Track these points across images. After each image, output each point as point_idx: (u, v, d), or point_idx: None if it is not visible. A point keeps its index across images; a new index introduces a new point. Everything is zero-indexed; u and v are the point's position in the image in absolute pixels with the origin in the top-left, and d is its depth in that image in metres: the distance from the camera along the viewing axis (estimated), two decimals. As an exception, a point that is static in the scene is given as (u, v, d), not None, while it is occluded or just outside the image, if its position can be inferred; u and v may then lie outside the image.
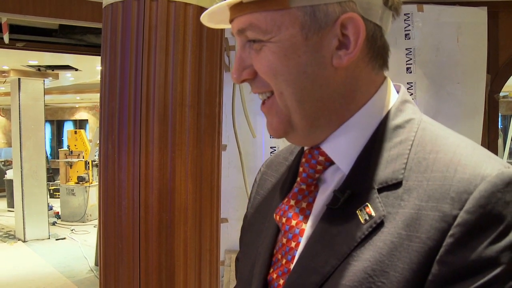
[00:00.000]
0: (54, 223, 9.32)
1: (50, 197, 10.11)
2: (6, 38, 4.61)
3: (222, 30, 1.98)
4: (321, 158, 0.80)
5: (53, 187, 11.61)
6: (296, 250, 0.78)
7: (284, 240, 0.80)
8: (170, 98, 1.78)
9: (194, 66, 1.81)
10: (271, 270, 0.81)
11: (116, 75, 1.81)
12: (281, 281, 0.78)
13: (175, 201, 1.78)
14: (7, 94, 9.31)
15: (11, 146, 9.13)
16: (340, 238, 0.71)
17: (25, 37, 5.04)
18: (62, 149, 11.75)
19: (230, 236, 2.90)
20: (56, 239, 8.26)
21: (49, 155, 11.39)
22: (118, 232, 1.80)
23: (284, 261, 0.79)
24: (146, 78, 1.76)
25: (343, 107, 0.77)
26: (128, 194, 1.78)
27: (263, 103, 0.81)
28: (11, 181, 9.19)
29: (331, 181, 0.79)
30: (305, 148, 0.84)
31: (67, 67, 7.83)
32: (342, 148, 0.78)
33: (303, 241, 0.78)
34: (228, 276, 2.99)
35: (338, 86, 0.76)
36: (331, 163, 0.79)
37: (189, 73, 1.80)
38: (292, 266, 0.77)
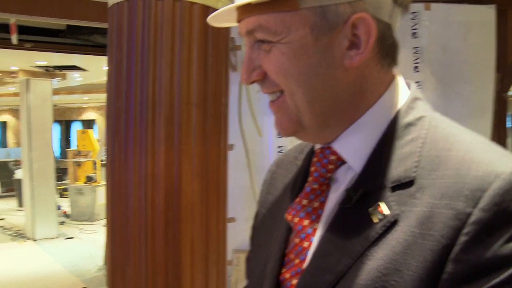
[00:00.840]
0: (63, 223, 9.37)
1: (59, 197, 10.18)
2: (14, 39, 4.64)
3: (228, 29, 1.98)
4: (332, 157, 0.79)
5: (61, 187, 11.68)
6: (309, 250, 0.77)
7: (297, 240, 0.80)
8: (176, 98, 1.78)
9: (200, 66, 1.81)
10: (284, 270, 0.81)
11: (122, 74, 1.81)
12: (294, 281, 0.77)
13: (182, 200, 1.79)
14: (16, 94, 9.38)
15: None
16: (354, 238, 0.70)
17: (33, 37, 5.07)
18: (70, 149, 11.81)
19: (237, 235, 2.89)
20: (65, 238, 8.31)
21: (57, 155, 11.46)
22: (125, 231, 1.80)
23: (297, 261, 0.79)
24: (152, 77, 1.76)
25: (354, 107, 0.77)
26: (134, 194, 1.78)
27: (272, 101, 0.80)
28: (20, 180, 9.24)
29: (343, 180, 0.78)
30: (316, 147, 0.84)
31: (74, 68, 7.87)
32: (354, 147, 0.77)
33: (315, 240, 0.77)
34: (235, 276, 2.99)
35: (348, 86, 0.75)
36: (343, 162, 0.79)
37: (195, 72, 1.80)
38: (305, 266, 0.76)
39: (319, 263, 0.73)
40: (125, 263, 1.80)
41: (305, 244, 0.78)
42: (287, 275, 0.79)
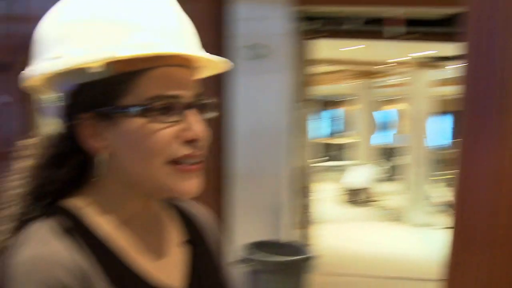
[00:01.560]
0: (441, 212, 9.33)
1: (441, 187, 10.18)
2: (397, 31, 4.85)
3: None
4: None
5: (445, 177, 11.61)
6: None
7: None
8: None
9: None
10: None
11: (480, 61, 1.68)
12: None
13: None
14: (404, 84, 9.91)
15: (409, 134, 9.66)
16: None
17: (418, 29, 5.16)
18: (456, 139, 11.61)
19: None
20: (440, 228, 8.28)
21: (442, 145, 11.48)
22: (465, 232, 1.68)
23: None
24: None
25: None
26: (478, 191, 1.63)
27: None
28: (405, 166, 9.64)
29: None
30: None
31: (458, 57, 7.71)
32: None
33: None
34: None
35: None
36: None
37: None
38: None
39: None
40: (462, 266, 1.68)
41: None
42: None
